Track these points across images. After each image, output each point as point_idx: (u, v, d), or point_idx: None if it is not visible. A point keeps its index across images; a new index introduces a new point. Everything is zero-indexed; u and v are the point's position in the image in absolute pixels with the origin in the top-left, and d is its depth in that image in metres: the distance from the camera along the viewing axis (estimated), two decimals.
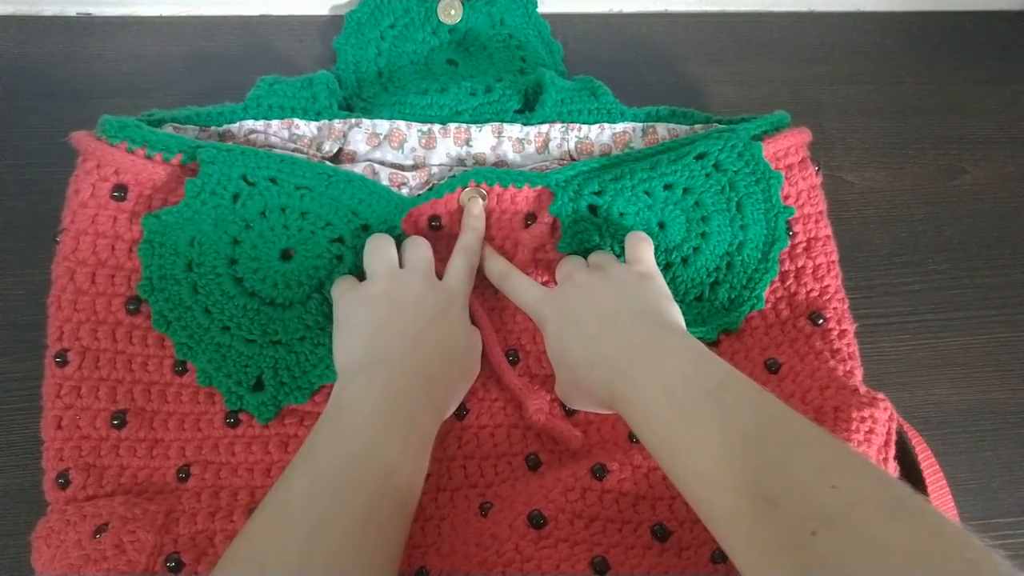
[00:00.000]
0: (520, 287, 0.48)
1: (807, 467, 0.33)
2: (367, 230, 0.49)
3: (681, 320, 0.45)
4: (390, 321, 0.44)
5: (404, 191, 0.52)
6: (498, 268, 0.50)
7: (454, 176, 0.52)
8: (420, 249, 0.48)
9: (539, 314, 0.47)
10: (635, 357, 0.40)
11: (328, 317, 0.47)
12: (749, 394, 0.37)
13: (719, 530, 0.35)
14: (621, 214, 0.50)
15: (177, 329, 0.46)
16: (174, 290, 0.46)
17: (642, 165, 0.51)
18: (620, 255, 0.49)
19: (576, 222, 0.50)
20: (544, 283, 0.51)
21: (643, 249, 0.48)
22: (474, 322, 0.50)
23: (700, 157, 0.51)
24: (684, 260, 0.50)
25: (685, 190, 0.51)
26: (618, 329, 0.42)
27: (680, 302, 0.49)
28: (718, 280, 0.51)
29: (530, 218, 0.52)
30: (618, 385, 0.41)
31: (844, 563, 0.29)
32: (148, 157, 0.48)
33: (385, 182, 0.52)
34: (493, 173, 0.51)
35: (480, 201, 0.51)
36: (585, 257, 0.50)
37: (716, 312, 0.50)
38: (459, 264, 0.49)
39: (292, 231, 0.48)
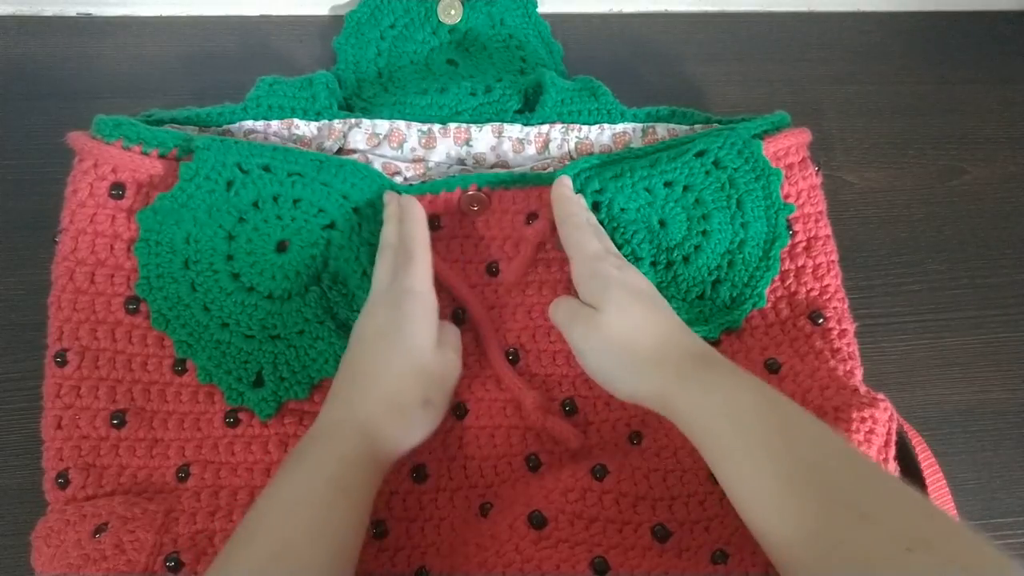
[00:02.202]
0: (579, 238, 0.46)
1: (903, 492, 0.34)
2: (357, 213, 0.49)
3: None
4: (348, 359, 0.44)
5: (398, 179, 0.53)
6: (568, 205, 0.48)
7: (454, 176, 0.52)
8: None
9: (595, 273, 0.44)
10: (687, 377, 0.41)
11: (326, 310, 0.47)
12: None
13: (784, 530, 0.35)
14: (622, 210, 0.50)
15: (176, 327, 0.46)
16: (172, 288, 0.46)
17: (641, 163, 0.51)
18: (621, 247, 0.49)
19: None
20: (544, 281, 0.51)
21: (599, 262, 0.46)
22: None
23: (700, 154, 0.51)
24: (686, 258, 0.50)
25: (685, 187, 0.51)
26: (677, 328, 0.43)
27: (682, 301, 0.50)
28: (719, 278, 0.51)
29: (532, 217, 0.52)
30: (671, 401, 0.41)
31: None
32: (144, 153, 0.48)
33: (378, 169, 0.53)
34: (495, 177, 0.51)
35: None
36: None
37: (718, 311, 0.50)
38: (379, 264, 0.46)
39: (286, 221, 0.48)
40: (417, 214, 0.47)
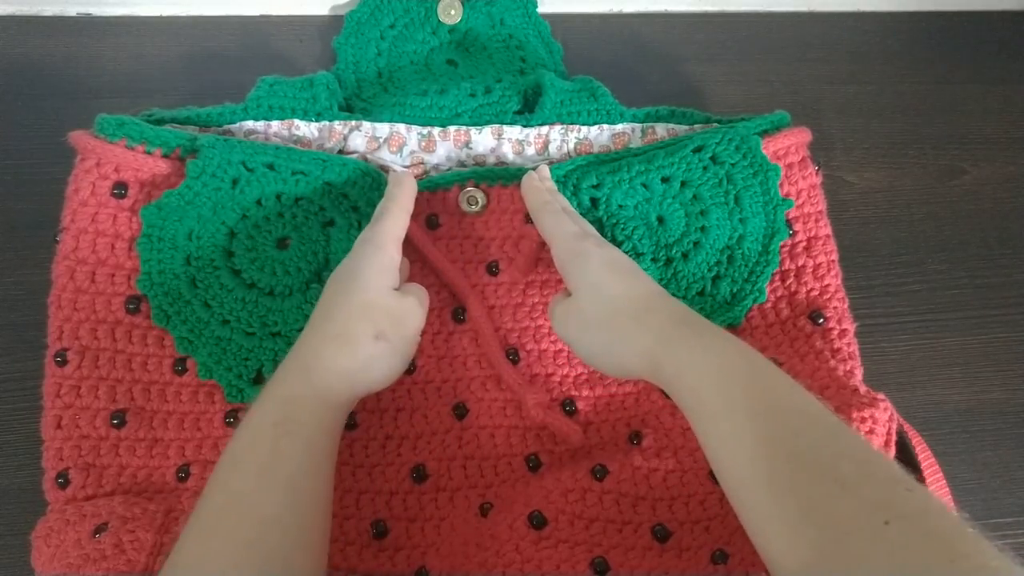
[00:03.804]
0: (555, 220, 0.46)
1: (881, 467, 0.33)
2: (357, 211, 0.49)
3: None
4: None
5: None
6: (539, 195, 0.48)
7: (451, 172, 0.52)
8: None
9: (573, 251, 0.44)
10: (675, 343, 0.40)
11: None
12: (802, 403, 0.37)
13: (764, 506, 0.34)
14: (620, 206, 0.50)
15: (177, 323, 0.46)
16: (173, 284, 0.47)
17: (639, 158, 0.51)
18: (621, 244, 0.49)
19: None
20: (544, 281, 0.51)
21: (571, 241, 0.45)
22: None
23: (697, 150, 0.51)
24: (684, 255, 0.50)
25: (683, 183, 0.51)
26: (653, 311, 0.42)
27: (682, 297, 0.49)
28: (719, 274, 0.50)
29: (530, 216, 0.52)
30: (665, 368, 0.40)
31: (915, 554, 0.29)
32: (147, 153, 0.48)
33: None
34: (492, 172, 0.51)
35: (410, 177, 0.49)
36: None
37: (719, 307, 0.50)
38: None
39: (287, 218, 0.48)
40: (405, 181, 0.48)
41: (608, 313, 0.42)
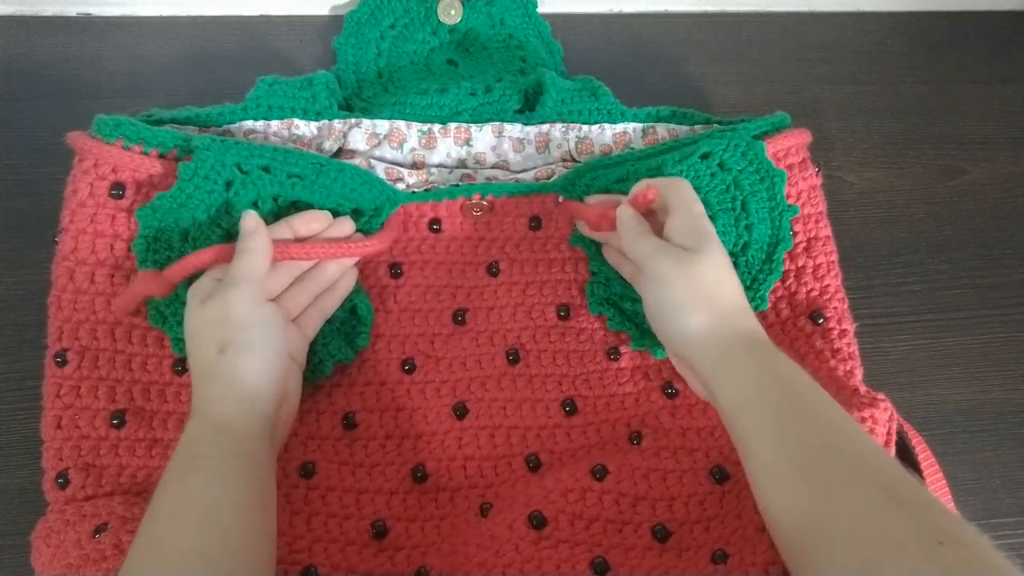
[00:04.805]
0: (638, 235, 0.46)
1: (932, 497, 0.36)
2: (356, 214, 0.49)
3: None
4: None
5: (400, 186, 0.53)
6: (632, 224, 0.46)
7: (456, 185, 0.52)
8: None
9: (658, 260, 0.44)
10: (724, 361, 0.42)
11: None
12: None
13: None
14: None
15: (173, 324, 0.46)
16: None
17: (646, 164, 0.51)
18: None
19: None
20: (544, 281, 0.51)
21: (704, 220, 0.46)
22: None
23: (705, 157, 0.51)
24: None
25: None
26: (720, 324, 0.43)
27: None
28: None
29: (534, 221, 0.52)
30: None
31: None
32: (144, 153, 0.48)
33: (381, 175, 0.53)
34: (499, 188, 0.51)
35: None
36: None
37: None
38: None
39: None
40: (257, 231, 0.45)
41: (712, 290, 0.43)
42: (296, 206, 0.48)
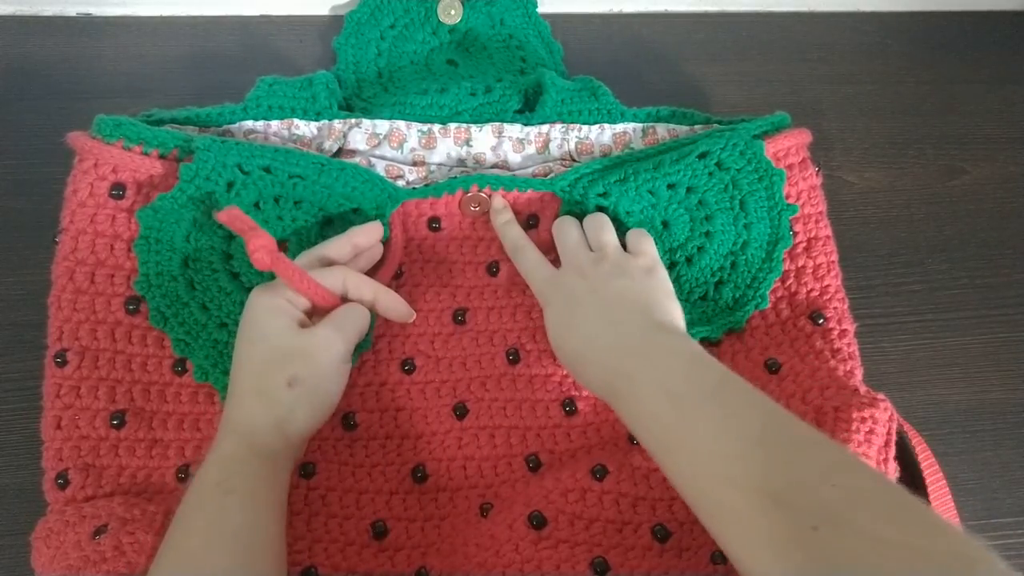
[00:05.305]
0: (530, 263, 0.49)
1: (809, 466, 0.34)
2: (358, 213, 0.49)
3: (681, 319, 0.45)
4: None
5: (400, 183, 0.53)
6: (512, 238, 0.50)
7: (455, 177, 0.52)
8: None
9: (542, 294, 0.47)
10: (633, 357, 0.41)
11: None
12: (748, 396, 0.38)
13: (720, 528, 0.35)
14: (627, 213, 0.50)
15: (174, 325, 0.46)
16: (171, 286, 0.46)
17: (645, 165, 0.51)
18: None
19: None
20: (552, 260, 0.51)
21: (646, 242, 0.48)
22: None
23: (703, 156, 0.51)
24: (688, 259, 0.50)
25: (688, 189, 0.51)
26: (618, 327, 0.43)
27: (685, 301, 0.50)
28: (722, 279, 0.51)
29: (532, 219, 0.52)
30: (616, 383, 0.41)
31: (845, 558, 0.29)
32: (145, 154, 0.48)
33: (381, 173, 0.53)
34: (497, 180, 0.51)
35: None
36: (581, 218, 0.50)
37: (721, 311, 0.50)
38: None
39: (286, 222, 0.48)
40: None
41: (566, 360, 0.45)
42: (298, 206, 0.48)
